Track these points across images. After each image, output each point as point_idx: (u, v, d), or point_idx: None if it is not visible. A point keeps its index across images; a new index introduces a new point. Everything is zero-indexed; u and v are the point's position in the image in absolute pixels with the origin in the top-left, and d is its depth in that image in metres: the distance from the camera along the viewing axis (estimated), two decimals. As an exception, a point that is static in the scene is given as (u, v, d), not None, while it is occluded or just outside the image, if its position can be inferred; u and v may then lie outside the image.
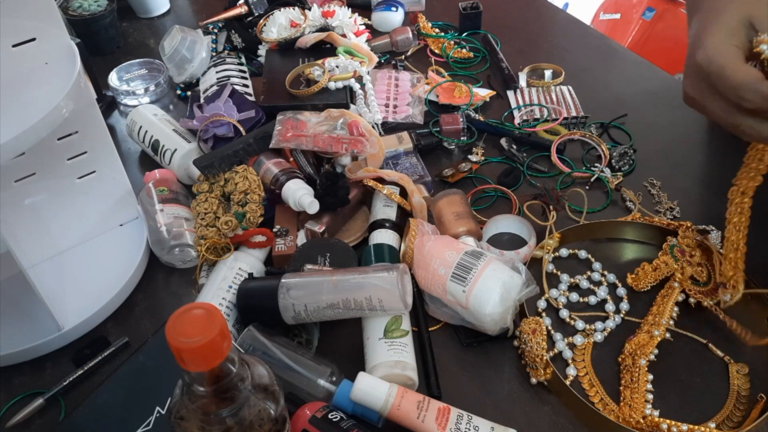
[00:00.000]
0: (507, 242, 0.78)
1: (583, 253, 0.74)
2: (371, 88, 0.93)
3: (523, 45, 1.12)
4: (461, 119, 0.89)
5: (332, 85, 0.90)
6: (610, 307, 0.69)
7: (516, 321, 0.66)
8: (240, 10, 1.08)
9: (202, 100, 0.92)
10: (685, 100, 0.59)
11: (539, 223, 0.76)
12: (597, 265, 0.73)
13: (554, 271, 0.73)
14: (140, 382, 0.59)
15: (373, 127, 0.84)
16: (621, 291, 0.70)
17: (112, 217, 0.81)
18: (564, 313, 0.68)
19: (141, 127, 0.90)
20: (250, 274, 0.69)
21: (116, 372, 0.60)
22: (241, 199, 0.75)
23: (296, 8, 1.03)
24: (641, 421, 0.58)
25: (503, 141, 0.90)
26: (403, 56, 1.10)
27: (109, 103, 1.04)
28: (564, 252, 0.75)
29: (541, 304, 0.69)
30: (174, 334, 0.37)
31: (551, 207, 0.78)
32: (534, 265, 0.73)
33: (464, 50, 1.10)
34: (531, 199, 0.80)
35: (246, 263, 0.71)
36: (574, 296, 0.70)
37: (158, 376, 0.58)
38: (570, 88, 1.00)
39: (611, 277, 0.72)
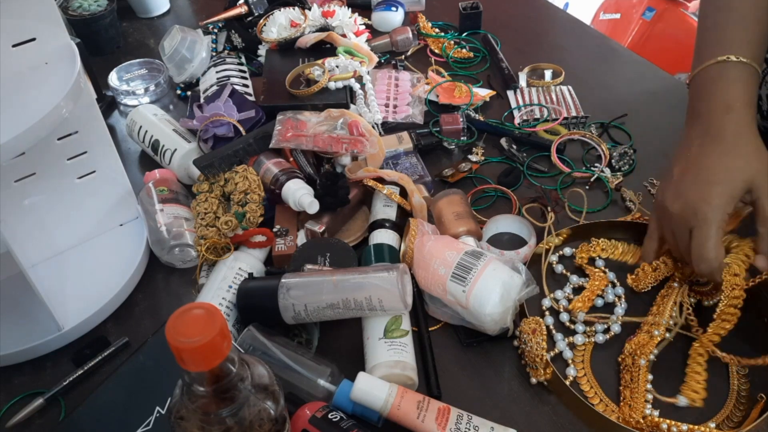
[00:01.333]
0: (507, 242, 0.78)
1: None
2: (371, 88, 0.93)
3: (523, 45, 1.12)
4: (461, 119, 0.89)
5: (332, 85, 0.90)
6: (610, 307, 0.69)
7: (516, 321, 0.66)
8: (240, 10, 1.08)
9: (202, 100, 0.92)
10: (659, 208, 0.65)
11: (539, 226, 0.76)
12: (600, 263, 0.73)
13: (563, 271, 0.73)
14: (140, 382, 0.59)
15: (373, 127, 0.84)
16: (619, 290, 0.70)
17: (112, 217, 0.81)
18: (564, 317, 0.68)
19: (141, 127, 0.90)
20: (250, 274, 0.69)
21: (116, 372, 0.60)
22: (241, 199, 0.75)
23: (296, 8, 1.03)
24: (641, 421, 0.58)
25: (503, 141, 0.90)
26: (403, 56, 1.10)
27: (109, 103, 1.04)
28: (567, 251, 0.75)
29: (546, 302, 0.69)
30: (174, 334, 0.37)
31: (549, 209, 0.78)
32: (534, 265, 0.73)
33: (464, 50, 1.10)
34: (529, 202, 0.80)
35: (246, 263, 0.71)
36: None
37: (158, 376, 0.58)
38: (570, 88, 1.00)
39: (611, 275, 0.71)
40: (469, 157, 0.88)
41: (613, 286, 0.71)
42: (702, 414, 0.60)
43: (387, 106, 0.95)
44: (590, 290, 0.70)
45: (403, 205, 0.77)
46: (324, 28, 1.02)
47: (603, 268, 0.72)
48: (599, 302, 0.69)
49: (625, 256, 0.73)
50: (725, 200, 0.58)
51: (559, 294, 0.70)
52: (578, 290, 0.71)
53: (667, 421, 0.57)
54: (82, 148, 0.77)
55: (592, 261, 0.74)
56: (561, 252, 0.75)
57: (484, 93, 0.99)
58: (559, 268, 0.73)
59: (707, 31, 0.67)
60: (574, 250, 0.74)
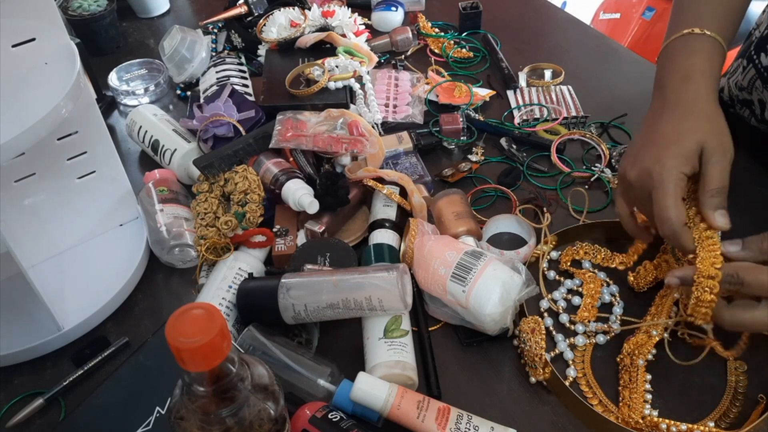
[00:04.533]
0: (507, 242, 0.78)
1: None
2: (371, 88, 0.93)
3: (523, 45, 1.12)
4: (461, 119, 0.89)
5: (332, 85, 0.90)
6: (611, 308, 0.69)
7: (516, 321, 0.66)
8: (240, 10, 1.08)
9: (202, 100, 0.92)
10: (619, 177, 0.65)
11: (536, 227, 0.76)
12: (587, 264, 0.73)
13: (556, 277, 0.73)
14: (140, 382, 0.59)
15: (373, 127, 0.84)
16: (614, 288, 0.70)
17: (112, 217, 0.81)
18: (564, 318, 0.68)
19: (141, 127, 0.90)
20: (250, 274, 0.69)
21: (116, 372, 0.60)
22: (241, 199, 0.75)
23: (296, 8, 1.03)
24: (640, 421, 0.58)
25: (503, 141, 0.90)
26: (402, 56, 1.10)
27: (109, 103, 1.04)
28: (554, 254, 0.74)
29: (543, 304, 0.69)
30: (174, 334, 0.37)
31: (545, 210, 0.78)
32: (533, 265, 0.73)
33: (464, 50, 1.10)
34: (524, 203, 0.80)
35: (246, 263, 0.71)
36: (576, 300, 0.70)
37: (158, 376, 0.58)
38: (570, 87, 1.00)
39: (601, 275, 0.71)
40: (469, 156, 0.88)
41: (607, 285, 0.71)
42: (701, 413, 0.60)
43: (387, 106, 0.95)
44: (589, 296, 0.69)
45: (403, 205, 0.77)
46: (324, 28, 1.02)
47: (591, 269, 0.72)
48: (598, 303, 0.69)
49: (607, 262, 0.73)
50: (679, 160, 0.58)
51: (556, 295, 0.70)
52: (573, 292, 0.71)
53: (666, 420, 0.57)
54: (82, 148, 0.77)
55: (577, 264, 0.74)
56: (549, 256, 0.74)
57: (484, 93, 0.99)
58: (552, 275, 0.73)
59: (679, 9, 0.68)
60: (559, 253, 0.74)
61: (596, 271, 0.72)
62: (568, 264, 0.73)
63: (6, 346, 0.66)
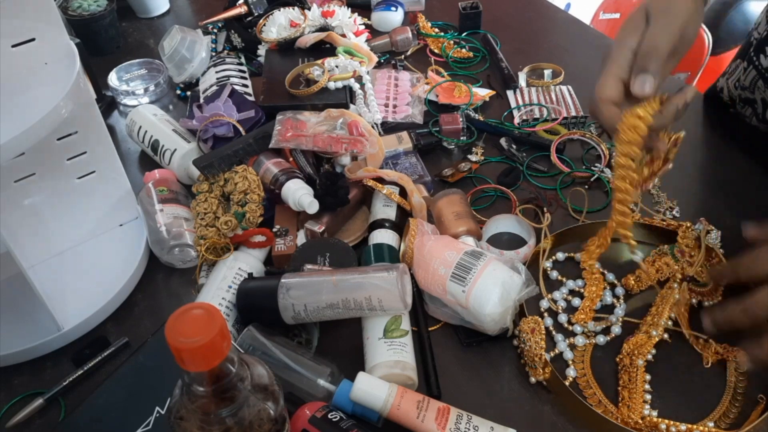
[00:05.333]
0: (506, 242, 0.78)
1: (578, 256, 0.74)
2: (371, 88, 0.93)
3: (523, 45, 1.12)
4: (461, 119, 0.89)
5: (332, 85, 0.90)
6: (610, 308, 0.69)
7: (516, 321, 0.66)
8: (240, 10, 1.08)
9: (201, 100, 0.92)
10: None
11: (536, 227, 0.76)
12: (597, 264, 0.73)
13: (558, 277, 0.73)
14: (140, 382, 0.59)
15: (372, 127, 0.84)
16: (619, 291, 0.70)
17: (111, 217, 0.81)
18: (563, 318, 0.68)
19: (141, 127, 0.90)
20: (250, 274, 0.69)
21: (116, 372, 0.60)
22: (241, 199, 0.75)
23: (296, 8, 1.03)
24: (640, 421, 0.58)
25: (503, 141, 0.90)
26: (402, 56, 1.10)
27: (108, 103, 1.04)
28: (560, 255, 0.74)
29: (544, 303, 0.69)
30: (174, 334, 0.37)
31: (545, 210, 0.78)
32: (533, 265, 0.73)
33: (464, 50, 1.10)
34: (524, 203, 0.80)
35: (246, 263, 0.71)
36: (576, 301, 0.70)
37: (158, 376, 0.58)
38: (570, 87, 1.00)
39: (609, 276, 0.71)
40: (469, 156, 0.88)
41: (612, 287, 0.71)
42: (701, 413, 0.60)
43: (387, 106, 0.95)
44: (589, 298, 0.69)
45: (403, 205, 0.77)
46: (324, 28, 1.02)
47: (600, 269, 0.72)
48: (598, 305, 0.69)
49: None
50: (625, 32, 0.55)
51: (557, 295, 0.70)
52: (575, 293, 0.71)
53: (666, 421, 0.57)
54: (82, 148, 0.77)
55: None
56: (554, 257, 0.74)
57: (483, 93, 0.99)
58: (554, 275, 0.73)
59: None
60: (567, 254, 0.74)
61: (605, 271, 0.72)
62: (596, 260, 0.72)
63: (6, 346, 0.66)
